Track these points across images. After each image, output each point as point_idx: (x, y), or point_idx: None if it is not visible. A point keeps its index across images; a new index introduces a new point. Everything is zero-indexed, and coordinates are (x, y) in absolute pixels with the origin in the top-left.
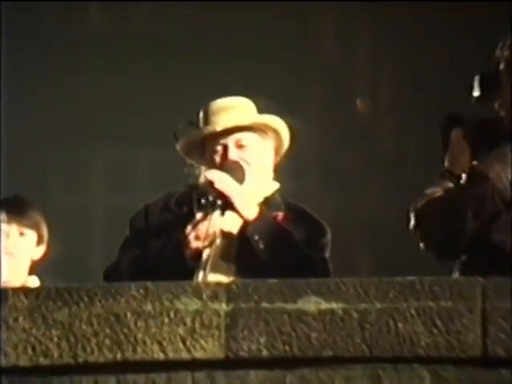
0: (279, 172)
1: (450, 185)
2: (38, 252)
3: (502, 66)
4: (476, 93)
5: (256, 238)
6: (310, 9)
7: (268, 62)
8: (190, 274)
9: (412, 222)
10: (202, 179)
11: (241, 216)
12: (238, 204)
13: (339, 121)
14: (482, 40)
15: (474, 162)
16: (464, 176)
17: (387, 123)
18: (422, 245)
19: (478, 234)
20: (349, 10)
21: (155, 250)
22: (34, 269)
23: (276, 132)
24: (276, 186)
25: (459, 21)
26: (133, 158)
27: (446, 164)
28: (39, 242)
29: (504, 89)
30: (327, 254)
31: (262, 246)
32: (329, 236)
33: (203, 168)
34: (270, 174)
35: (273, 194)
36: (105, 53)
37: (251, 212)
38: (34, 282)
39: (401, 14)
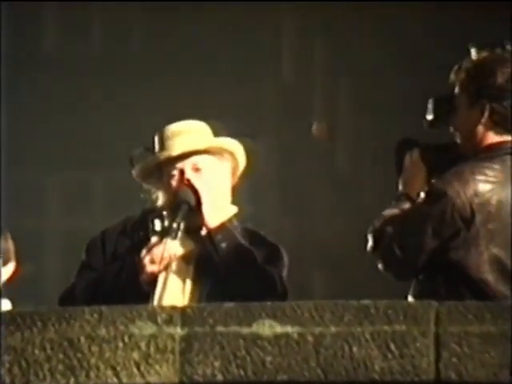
0: (237, 196)
1: (407, 205)
2: (6, 272)
3: (456, 90)
4: (429, 116)
5: (218, 237)
6: (269, 31)
7: (225, 84)
8: (145, 298)
9: (370, 244)
10: (159, 203)
11: (203, 222)
12: (205, 207)
13: (297, 145)
14: (442, 65)
15: (433, 181)
16: (422, 195)
17: (345, 147)
18: (380, 265)
19: (436, 253)
20: (308, 34)
21: (111, 275)
22: (5, 289)
23: (232, 154)
24: (234, 210)
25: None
26: (87, 181)
27: (401, 187)
28: (5, 262)
29: (459, 112)
30: (284, 275)
31: (223, 246)
32: (285, 259)
33: (160, 192)
34: (228, 197)
35: (230, 219)
36: (56, 73)
37: (215, 220)
38: (5, 304)
39: (360, 38)
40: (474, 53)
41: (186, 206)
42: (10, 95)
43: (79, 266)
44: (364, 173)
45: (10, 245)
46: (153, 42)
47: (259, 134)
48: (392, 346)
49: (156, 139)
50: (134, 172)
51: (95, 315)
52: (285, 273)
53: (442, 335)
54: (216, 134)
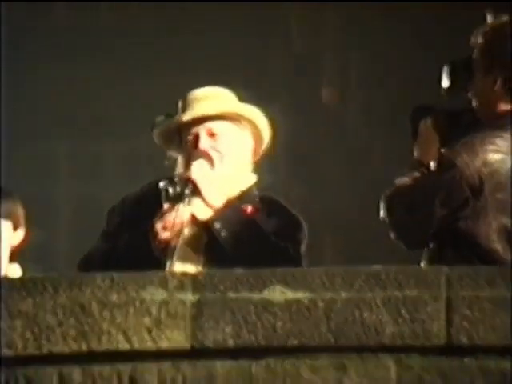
0: (262, 165)
1: (419, 174)
2: (16, 237)
3: (475, 55)
4: (445, 83)
5: (217, 226)
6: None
7: (232, 51)
8: (158, 265)
9: (382, 211)
10: (178, 169)
11: (206, 203)
12: (204, 190)
13: (307, 110)
14: (454, 33)
15: (442, 150)
16: (433, 165)
17: (356, 117)
18: (392, 234)
19: (445, 222)
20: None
21: (125, 242)
22: (15, 256)
23: (251, 122)
24: (253, 179)
25: (429, 17)
26: (98, 149)
27: (415, 154)
28: (15, 227)
29: (476, 77)
30: (303, 248)
31: (223, 235)
32: (304, 230)
33: (179, 158)
34: (247, 165)
35: (249, 187)
36: (67, 44)
37: (217, 200)
38: (15, 269)
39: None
40: (489, 17)
41: (192, 187)
42: (20, 63)
43: (100, 234)
44: (376, 141)
45: (20, 211)
46: (166, 14)
47: (270, 103)
48: (403, 311)
49: (179, 104)
50: (154, 137)
51: (106, 281)
52: (303, 245)
53: (453, 300)
54: (242, 101)
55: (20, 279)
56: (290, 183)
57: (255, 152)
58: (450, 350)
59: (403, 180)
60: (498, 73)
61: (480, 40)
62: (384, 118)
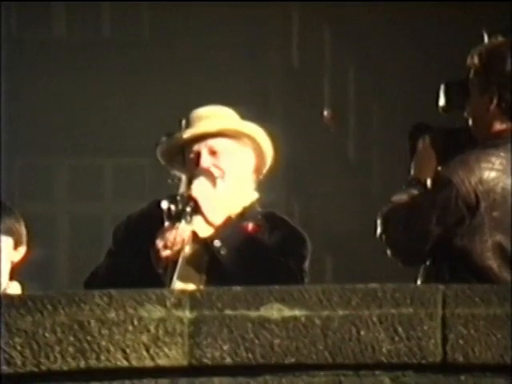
0: (262, 183)
1: (416, 191)
2: (17, 255)
3: (471, 74)
4: (442, 102)
5: (217, 244)
6: (276, 15)
7: (235, 71)
8: (160, 283)
9: (379, 229)
10: (181, 188)
11: (207, 221)
12: (204, 208)
13: (306, 130)
14: (450, 50)
15: (439, 168)
16: (429, 182)
17: (355, 133)
18: (388, 251)
19: (441, 240)
20: (313, 20)
21: (127, 260)
22: (15, 273)
23: (253, 140)
24: (254, 195)
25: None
26: (97, 166)
27: (413, 172)
28: (17, 245)
29: (472, 97)
30: (306, 265)
31: (223, 253)
32: (308, 246)
33: (183, 177)
34: (249, 182)
35: (251, 204)
36: (67, 60)
37: (218, 218)
38: (15, 287)
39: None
40: (486, 38)
41: (193, 204)
42: (19, 80)
43: (106, 252)
44: (374, 158)
45: (22, 228)
46: (163, 29)
47: (269, 119)
48: (399, 329)
49: (183, 123)
50: (158, 156)
51: (105, 298)
52: (307, 263)
53: (449, 318)
54: (244, 119)
55: (19, 297)
56: (289, 201)
57: (258, 169)
58: (446, 367)
59: (400, 197)
60: (493, 93)
61: (476, 60)
62: (384, 135)
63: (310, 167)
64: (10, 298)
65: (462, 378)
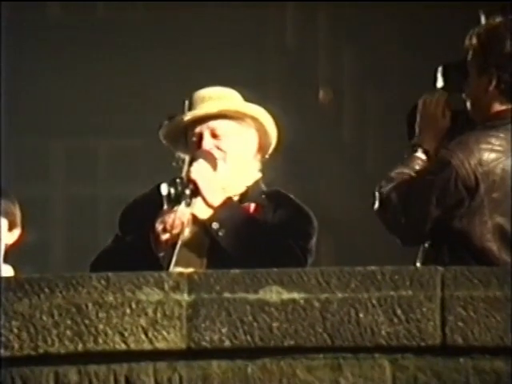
0: (266, 164)
1: (417, 166)
2: (12, 237)
3: (469, 56)
4: (439, 83)
5: (215, 226)
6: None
7: (231, 54)
8: (160, 266)
9: (377, 206)
10: (184, 170)
11: (206, 203)
12: (203, 190)
13: (302, 109)
14: (447, 33)
15: (440, 150)
16: (432, 149)
17: (349, 114)
18: (386, 228)
19: (441, 222)
20: (309, 2)
21: (128, 243)
22: (8, 256)
23: (256, 120)
24: (257, 175)
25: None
26: (93, 148)
27: (416, 137)
28: (11, 227)
29: (469, 79)
30: (311, 243)
31: (221, 234)
32: (314, 224)
33: (186, 159)
34: (253, 163)
35: (254, 184)
36: (64, 42)
37: (217, 200)
38: (7, 270)
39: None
40: (483, 18)
41: (192, 187)
42: (15, 61)
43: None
44: (369, 138)
45: (17, 210)
46: (160, 10)
47: (265, 101)
48: (398, 311)
49: (186, 104)
50: (161, 138)
51: (102, 282)
52: (312, 241)
53: (448, 300)
54: (247, 101)
55: (16, 280)
56: (286, 182)
57: (262, 149)
58: (445, 350)
59: (401, 171)
60: (492, 74)
61: (474, 41)
62: (379, 116)
63: (306, 148)
64: (7, 280)
65: (461, 360)
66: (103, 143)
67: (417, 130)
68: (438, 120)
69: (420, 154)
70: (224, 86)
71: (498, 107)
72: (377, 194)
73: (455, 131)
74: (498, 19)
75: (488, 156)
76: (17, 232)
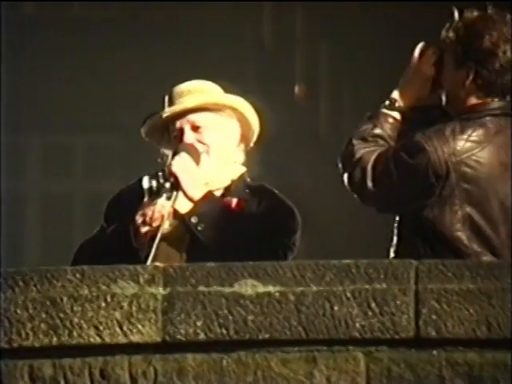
0: (251, 157)
1: (389, 129)
2: None
3: (446, 49)
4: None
5: (194, 220)
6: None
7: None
8: (138, 259)
9: (342, 171)
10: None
11: (187, 197)
12: (184, 183)
13: (278, 105)
14: (425, 29)
15: (415, 134)
16: (406, 107)
17: (326, 109)
18: (355, 196)
19: (411, 211)
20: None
21: (108, 235)
22: None
23: (237, 111)
24: (241, 169)
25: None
26: (69, 144)
27: (395, 92)
28: None
29: (445, 71)
30: (294, 239)
31: (200, 229)
32: (298, 219)
33: (169, 154)
34: (236, 155)
35: (239, 178)
36: (40, 35)
37: (198, 193)
38: None
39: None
40: (456, 13)
41: (173, 180)
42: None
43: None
44: (345, 135)
45: None
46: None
47: (242, 97)
48: (372, 304)
49: (165, 99)
50: (143, 135)
51: (77, 275)
52: (295, 237)
53: (422, 293)
54: (227, 92)
55: None
56: (261, 176)
57: (245, 139)
58: (419, 342)
59: (373, 134)
60: (470, 68)
61: (451, 35)
62: (355, 112)
63: (283, 143)
64: None
65: (435, 352)
66: (79, 138)
67: (400, 82)
68: (423, 75)
69: (393, 112)
70: (201, 78)
71: (474, 101)
72: (349, 150)
73: (429, 124)
74: (476, 14)
75: (463, 146)
76: None
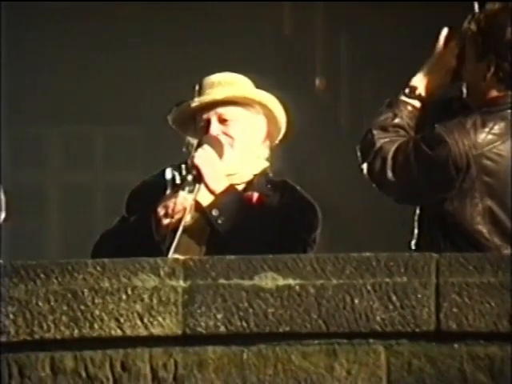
0: (274, 153)
1: (408, 117)
2: None
3: (467, 42)
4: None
5: (215, 213)
6: None
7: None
8: (160, 251)
9: (366, 151)
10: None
11: (209, 190)
12: (206, 176)
13: (299, 97)
14: (445, 21)
15: (436, 126)
16: (427, 96)
17: (347, 100)
18: (374, 185)
19: (432, 204)
20: None
21: (130, 226)
22: None
23: (265, 107)
24: (264, 164)
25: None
26: (88, 135)
27: (415, 79)
28: None
29: (467, 63)
30: (314, 235)
31: (220, 222)
32: (318, 216)
33: (194, 144)
34: (261, 150)
35: (261, 173)
36: (63, 27)
37: (220, 186)
38: None
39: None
40: (476, 5)
41: (195, 173)
42: (11, 47)
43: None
44: (366, 127)
45: (1, 195)
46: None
47: (262, 89)
48: (393, 298)
49: (196, 89)
50: (170, 123)
51: (98, 268)
52: (315, 233)
53: (443, 286)
54: (258, 87)
55: (12, 266)
56: (282, 170)
57: (271, 137)
58: (440, 336)
59: (393, 124)
60: (491, 61)
61: (473, 26)
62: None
63: (304, 136)
64: (3, 266)
65: (456, 346)
66: (99, 130)
67: (422, 69)
68: (446, 64)
69: (412, 101)
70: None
71: (494, 93)
72: (369, 139)
73: (450, 116)
74: (498, 5)
75: (483, 139)
76: (1, 216)
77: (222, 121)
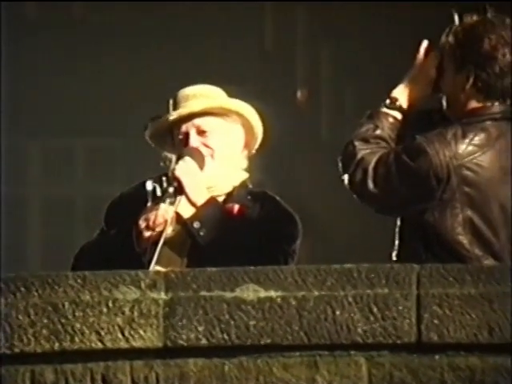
0: (253, 163)
1: (389, 129)
2: None
3: (446, 54)
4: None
5: (196, 225)
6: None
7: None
8: (141, 264)
9: (346, 162)
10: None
11: (190, 202)
12: (187, 188)
13: (280, 109)
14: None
15: (417, 136)
16: (407, 106)
17: (328, 112)
18: (354, 196)
19: (412, 215)
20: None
21: (110, 239)
22: None
23: (242, 116)
24: (243, 175)
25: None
26: (69, 147)
27: (396, 90)
28: None
29: (445, 76)
30: (294, 246)
31: (202, 234)
32: (298, 227)
33: (173, 158)
34: (240, 160)
35: (241, 184)
36: (41, 39)
37: (201, 198)
38: None
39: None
40: (456, 17)
41: (176, 185)
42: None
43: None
44: (347, 137)
45: None
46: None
47: (243, 100)
48: (374, 309)
49: (170, 103)
50: (147, 138)
51: (79, 280)
52: (296, 245)
53: (424, 297)
54: (238, 98)
55: None
56: (264, 183)
57: (249, 146)
58: (421, 347)
59: (375, 135)
60: (469, 72)
61: (451, 39)
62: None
63: (285, 148)
64: None
65: (437, 357)
66: (79, 142)
67: (403, 80)
68: (426, 76)
69: (393, 112)
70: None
71: (474, 105)
72: (350, 151)
73: (430, 128)
74: (476, 18)
75: (464, 150)
76: None
77: (201, 132)
